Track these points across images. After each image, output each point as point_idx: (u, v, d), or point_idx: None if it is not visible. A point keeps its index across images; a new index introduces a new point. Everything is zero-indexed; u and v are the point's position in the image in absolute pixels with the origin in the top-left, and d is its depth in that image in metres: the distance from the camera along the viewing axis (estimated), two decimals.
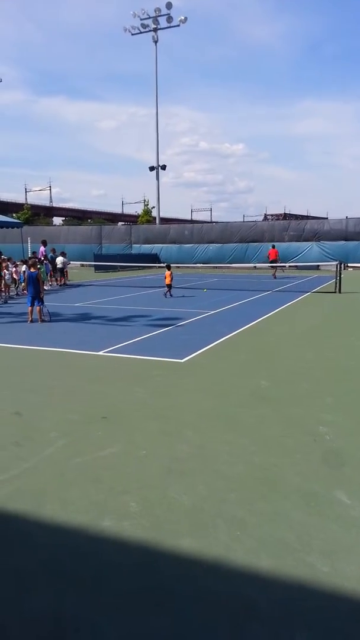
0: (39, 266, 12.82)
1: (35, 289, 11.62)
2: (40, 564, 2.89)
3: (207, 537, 3.09)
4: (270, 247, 28.79)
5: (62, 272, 22.05)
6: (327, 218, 47.92)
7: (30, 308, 11.69)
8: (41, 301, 11.74)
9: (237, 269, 31.90)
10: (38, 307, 11.62)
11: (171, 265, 19.17)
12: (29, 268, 12.26)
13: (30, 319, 11.61)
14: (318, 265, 30.16)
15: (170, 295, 16.57)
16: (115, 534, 3.13)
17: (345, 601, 2.57)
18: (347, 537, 3.09)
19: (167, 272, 16.91)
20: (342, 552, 2.94)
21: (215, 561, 2.87)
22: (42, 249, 21.76)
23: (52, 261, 21.73)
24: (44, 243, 22.29)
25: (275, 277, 25.81)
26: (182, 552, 2.95)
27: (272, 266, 27.05)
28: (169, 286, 16.72)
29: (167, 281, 16.76)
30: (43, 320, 11.56)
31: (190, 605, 2.54)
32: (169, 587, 2.68)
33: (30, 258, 15.89)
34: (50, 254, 22.25)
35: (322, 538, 3.08)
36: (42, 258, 21.04)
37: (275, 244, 32.24)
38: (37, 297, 11.66)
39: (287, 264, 30.02)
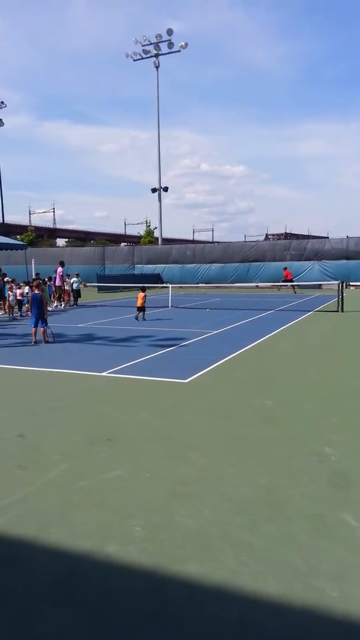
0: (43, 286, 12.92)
1: (39, 310, 11.71)
2: (44, 589, 2.85)
3: (213, 561, 3.05)
4: (284, 269, 30.99)
5: (78, 292, 22.33)
6: (328, 237, 48.23)
7: (34, 329, 11.76)
8: (45, 322, 11.79)
9: (240, 288, 31.98)
10: (42, 328, 11.68)
11: (146, 287, 17.53)
12: (33, 289, 12.35)
13: (34, 339, 11.67)
14: (320, 285, 30.28)
15: (143, 319, 15.67)
16: (120, 558, 3.09)
17: (356, 626, 2.52)
18: (356, 560, 3.04)
19: (140, 294, 15.77)
20: (351, 575, 2.90)
21: (222, 586, 2.83)
22: (59, 269, 21.85)
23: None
24: (62, 264, 22.37)
25: (295, 292, 29.14)
26: (187, 577, 2.91)
27: (292, 285, 29.90)
28: (140, 309, 15.72)
29: (139, 303, 15.67)
30: (47, 342, 11.61)
31: (197, 631, 2.50)
32: (175, 613, 2.63)
33: (34, 280, 15.98)
34: (53, 274, 22.42)
35: (330, 561, 3.03)
36: (59, 278, 21.33)
37: (277, 263, 32.65)
38: (40, 318, 11.73)
39: (288, 284, 30.21)
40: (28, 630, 2.53)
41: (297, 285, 30.23)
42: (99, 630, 2.51)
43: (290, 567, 2.98)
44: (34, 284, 12.56)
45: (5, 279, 18.61)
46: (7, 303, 16.63)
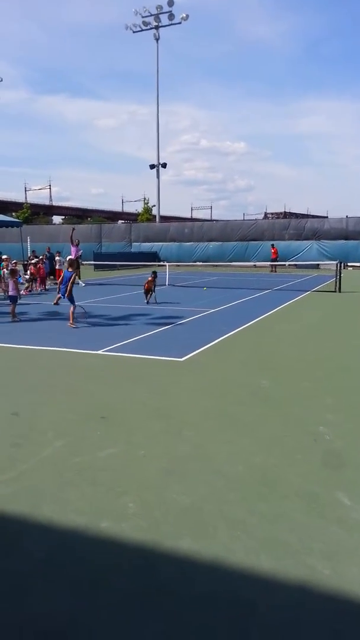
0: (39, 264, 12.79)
1: (65, 288, 11.11)
2: (37, 565, 2.85)
3: (207, 537, 3.06)
4: (271, 246, 30.99)
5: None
6: (327, 217, 47.85)
7: (58, 296, 12.18)
8: (72, 302, 11.04)
9: (237, 267, 31.84)
10: (70, 308, 11.00)
11: (156, 271, 15.65)
12: (67, 268, 11.74)
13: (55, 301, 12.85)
14: (318, 264, 30.14)
15: (155, 301, 14.66)
16: (114, 535, 3.09)
17: (346, 604, 2.53)
18: (348, 539, 3.05)
19: (150, 278, 14.85)
20: (343, 554, 2.91)
21: (215, 562, 2.84)
22: (73, 248, 21.58)
23: (51, 260, 21.68)
24: (78, 243, 21.99)
25: (274, 271, 29.45)
26: (181, 553, 2.91)
27: (273, 265, 29.73)
28: (149, 291, 14.79)
29: (148, 286, 14.78)
30: (72, 324, 10.66)
31: (189, 607, 2.51)
32: (168, 589, 2.64)
33: (69, 259, 15.59)
34: (46, 252, 22.25)
35: (323, 540, 3.04)
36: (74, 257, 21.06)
37: (275, 242, 32.39)
38: (69, 297, 11.05)
39: (287, 263, 30.08)
40: (21, 606, 2.54)
41: (295, 264, 30.10)
42: (91, 606, 2.52)
43: (283, 544, 2.99)
44: (67, 262, 12.39)
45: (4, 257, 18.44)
46: (1, 282, 16.47)
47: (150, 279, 14.89)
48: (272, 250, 30.38)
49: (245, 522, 3.23)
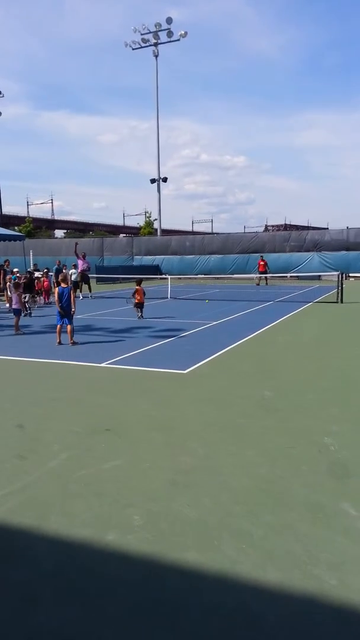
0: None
1: (67, 306, 10.15)
2: (44, 578, 2.85)
3: (213, 550, 3.06)
4: (260, 257, 30.62)
5: (76, 284, 22.27)
6: (327, 228, 48.06)
7: (59, 327, 10.26)
8: (71, 320, 10.25)
9: (239, 279, 31.93)
10: (69, 326, 10.15)
11: (141, 281, 14.78)
12: (60, 283, 10.62)
13: (58, 340, 10.21)
14: (319, 276, 30.22)
15: (141, 316, 14.05)
16: (120, 547, 3.09)
17: (354, 614, 2.53)
18: (355, 550, 3.05)
19: (139, 288, 14.10)
20: (349, 564, 2.91)
21: (221, 574, 2.83)
22: (80, 262, 21.99)
23: (56, 274, 21.88)
24: (84, 256, 22.34)
25: (258, 284, 28.74)
26: (187, 566, 2.91)
27: (260, 277, 29.12)
28: (139, 305, 14.13)
29: (138, 299, 14.08)
30: (74, 343, 10.12)
31: (196, 619, 2.50)
32: (174, 601, 2.64)
33: (59, 273, 15.67)
34: (55, 266, 22.42)
35: (330, 550, 3.04)
36: (80, 271, 21.29)
37: (277, 254, 32.49)
38: (67, 315, 10.17)
39: (288, 275, 30.18)
40: (28, 619, 2.54)
41: (296, 276, 30.14)
42: (98, 618, 2.52)
43: (289, 555, 2.99)
44: (60, 277, 10.86)
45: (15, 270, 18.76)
46: (6, 294, 16.63)
47: (139, 288, 14.02)
48: (261, 263, 29.70)
49: (251, 533, 3.23)
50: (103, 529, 3.28)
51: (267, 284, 29.11)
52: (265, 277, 29.12)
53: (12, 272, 17.94)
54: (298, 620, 2.50)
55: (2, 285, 18.26)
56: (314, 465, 4.25)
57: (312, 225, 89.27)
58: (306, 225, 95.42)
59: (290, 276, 31.28)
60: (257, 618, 2.51)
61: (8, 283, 17.19)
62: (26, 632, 2.46)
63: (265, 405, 5.98)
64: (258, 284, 28.98)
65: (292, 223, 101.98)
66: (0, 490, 3.86)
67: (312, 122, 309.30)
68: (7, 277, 17.78)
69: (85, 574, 2.89)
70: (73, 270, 22.15)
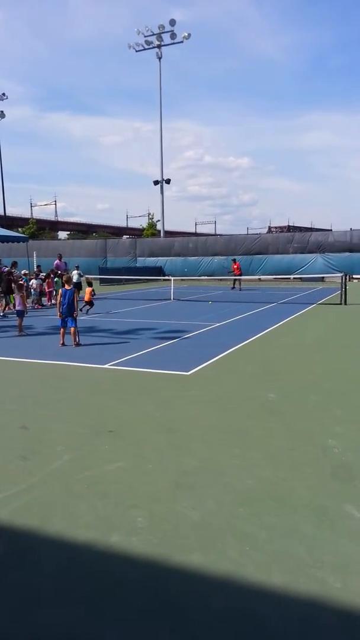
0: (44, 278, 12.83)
1: (69, 308, 10.13)
2: (48, 579, 2.85)
3: (216, 552, 3.05)
4: (232, 261, 27.64)
5: (79, 285, 22.31)
6: (331, 230, 47.95)
7: (62, 330, 10.29)
8: (75, 322, 10.25)
9: (242, 281, 31.87)
10: (72, 328, 10.11)
11: (92, 282, 17.06)
12: (63, 285, 10.66)
13: (61, 341, 10.22)
14: (323, 277, 30.20)
15: (86, 312, 15.51)
16: (123, 549, 3.09)
17: (359, 618, 2.51)
18: (359, 552, 3.03)
19: (88, 289, 15.82)
20: (354, 567, 2.89)
21: (225, 577, 2.82)
22: (56, 262, 22.20)
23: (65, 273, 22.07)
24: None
25: (233, 289, 26.08)
26: (191, 568, 2.90)
27: (235, 279, 26.59)
28: (89, 303, 15.74)
29: (87, 298, 15.67)
30: (77, 344, 10.13)
31: (200, 622, 2.50)
32: (178, 603, 2.63)
33: (62, 274, 16.24)
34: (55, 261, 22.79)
35: (334, 553, 3.03)
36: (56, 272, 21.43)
37: (280, 256, 32.40)
38: (71, 316, 10.17)
39: (291, 276, 30.12)
40: (31, 620, 2.53)
41: (299, 278, 29.99)
42: (101, 620, 2.51)
43: (293, 558, 2.98)
44: (64, 279, 10.94)
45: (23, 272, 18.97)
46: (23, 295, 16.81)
47: (89, 289, 15.67)
48: (234, 266, 26.45)
49: (255, 536, 3.22)
50: (106, 531, 3.27)
51: (240, 289, 26.31)
52: (240, 279, 26.70)
53: (22, 275, 18.12)
54: (302, 623, 2.49)
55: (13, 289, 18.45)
56: (318, 467, 4.24)
57: (315, 227, 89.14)
58: (310, 226, 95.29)
59: (294, 278, 31.24)
60: (261, 621, 2.50)
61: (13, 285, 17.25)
62: (29, 633, 2.46)
63: (269, 407, 5.97)
64: (233, 288, 26.64)
65: (296, 224, 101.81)
66: (4, 491, 3.86)
67: (317, 123, 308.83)
68: (16, 276, 17.85)
69: (89, 575, 2.88)
70: (75, 272, 22.19)
